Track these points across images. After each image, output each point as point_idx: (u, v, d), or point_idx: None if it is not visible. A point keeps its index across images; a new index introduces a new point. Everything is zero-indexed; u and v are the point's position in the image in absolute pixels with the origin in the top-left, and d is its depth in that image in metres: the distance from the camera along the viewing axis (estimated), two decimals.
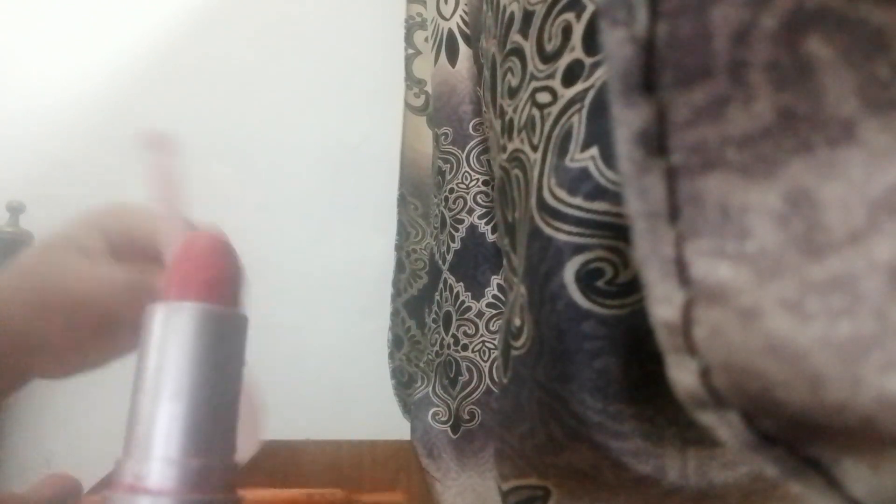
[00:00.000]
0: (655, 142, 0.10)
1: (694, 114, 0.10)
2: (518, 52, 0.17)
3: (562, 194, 0.16)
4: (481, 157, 0.46)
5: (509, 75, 0.18)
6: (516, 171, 0.18)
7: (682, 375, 0.11)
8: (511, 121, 0.18)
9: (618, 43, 0.10)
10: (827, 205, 0.09)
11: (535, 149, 0.17)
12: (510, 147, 0.19)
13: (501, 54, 0.18)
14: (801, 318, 0.09)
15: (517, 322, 0.22)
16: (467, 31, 0.45)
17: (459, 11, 0.46)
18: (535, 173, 0.17)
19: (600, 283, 0.16)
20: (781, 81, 0.09)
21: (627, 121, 0.10)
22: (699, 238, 0.10)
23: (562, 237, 0.16)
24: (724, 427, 0.11)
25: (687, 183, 0.10)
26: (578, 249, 0.16)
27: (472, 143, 0.47)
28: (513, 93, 0.18)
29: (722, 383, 0.10)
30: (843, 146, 0.09)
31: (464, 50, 0.46)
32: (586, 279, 0.16)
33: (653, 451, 0.16)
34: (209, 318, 0.14)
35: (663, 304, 0.10)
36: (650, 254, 0.10)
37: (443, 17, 0.47)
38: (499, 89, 0.19)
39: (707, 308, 0.10)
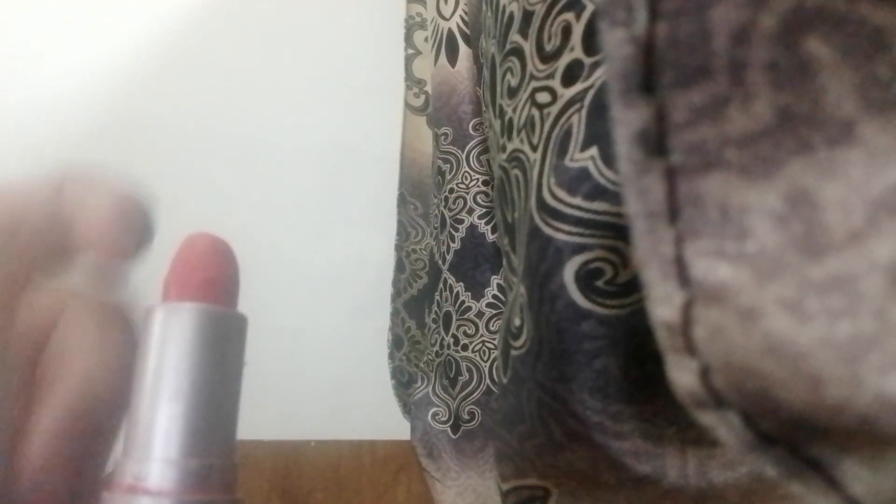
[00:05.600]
0: (655, 142, 0.10)
1: (693, 114, 0.10)
2: (517, 52, 0.17)
3: (561, 194, 0.16)
4: (481, 157, 0.46)
5: (509, 75, 0.18)
6: (516, 171, 0.18)
7: (682, 375, 0.11)
8: (510, 121, 0.18)
9: (617, 43, 0.10)
10: (827, 205, 0.09)
11: (534, 149, 0.17)
12: (510, 147, 0.19)
13: (501, 54, 0.18)
14: (800, 318, 0.09)
15: (517, 322, 0.22)
16: (467, 31, 0.45)
17: (459, 11, 0.46)
18: (535, 173, 0.17)
19: (600, 283, 0.16)
20: (781, 81, 0.09)
21: (627, 121, 0.10)
22: (699, 238, 0.10)
23: (561, 237, 0.16)
24: (724, 427, 0.11)
25: (686, 183, 0.10)
26: (578, 249, 0.16)
27: (472, 143, 0.47)
28: (512, 93, 0.18)
29: (722, 383, 0.10)
30: (843, 146, 0.09)
31: (464, 50, 0.46)
32: (586, 279, 0.16)
33: (652, 451, 0.16)
34: (208, 318, 0.14)
35: (663, 304, 0.10)
36: (650, 254, 0.10)
37: (443, 17, 0.47)
38: (498, 89, 0.19)
39: (707, 308, 0.10)
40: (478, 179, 0.46)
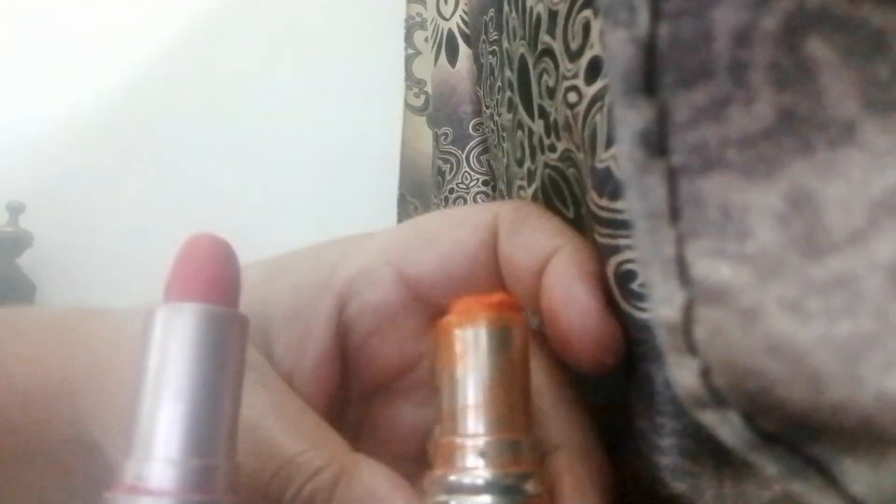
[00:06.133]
0: (656, 142, 0.10)
1: (695, 114, 0.10)
2: (549, 53, 0.17)
3: (593, 196, 0.16)
4: (481, 158, 0.46)
5: (545, 76, 0.18)
6: (572, 170, 0.18)
7: (683, 375, 0.11)
8: (555, 121, 0.18)
9: (619, 44, 0.10)
10: (827, 205, 0.09)
11: (578, 149, 0.17)
12: (560, 147, 0.18)
13: (534, 56, 0.18)
14: (801, 317, 0.09)
15: None
16: (467, 31, 0.45)
17: (459, 11, 0.46)
18: (583, 174, 0.17)
19: (634, 286, 0.15)
20: (782, 82, 0.09)
21: (628, 121, 0.10)
22: (700, 238, 0.10)
23: (598, 238, 0.16)
24: (725, 427, 0.11)
25: (687, 183, 0.10)
26: (613, 250, 0.15)
27: (471, 143, 0.47)
28: (551, 93, 0.18)
29: (722, 383, 0.10)
30: (844, 147, 0.09)
31: (464, 50, 0.46)
32: (622, 281, 0.15)
33: (690, 469, 0.15)
34: (210, 318, 0.14)
35: (664, 304, 0.10)
36: (651, 254, 0.11)
37: (443, 18, 0.47)
38: (535, 90, 0.19)
39: (708, 308, 0.10)
40: (478, 179, 0.46)
